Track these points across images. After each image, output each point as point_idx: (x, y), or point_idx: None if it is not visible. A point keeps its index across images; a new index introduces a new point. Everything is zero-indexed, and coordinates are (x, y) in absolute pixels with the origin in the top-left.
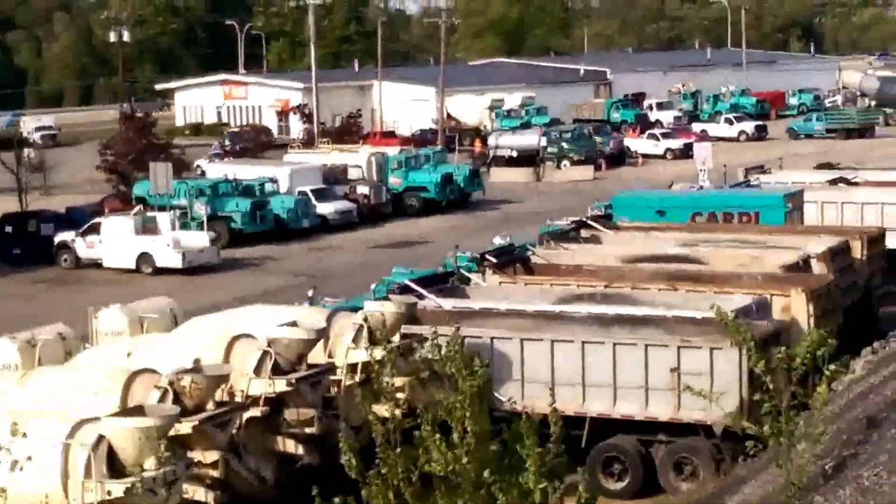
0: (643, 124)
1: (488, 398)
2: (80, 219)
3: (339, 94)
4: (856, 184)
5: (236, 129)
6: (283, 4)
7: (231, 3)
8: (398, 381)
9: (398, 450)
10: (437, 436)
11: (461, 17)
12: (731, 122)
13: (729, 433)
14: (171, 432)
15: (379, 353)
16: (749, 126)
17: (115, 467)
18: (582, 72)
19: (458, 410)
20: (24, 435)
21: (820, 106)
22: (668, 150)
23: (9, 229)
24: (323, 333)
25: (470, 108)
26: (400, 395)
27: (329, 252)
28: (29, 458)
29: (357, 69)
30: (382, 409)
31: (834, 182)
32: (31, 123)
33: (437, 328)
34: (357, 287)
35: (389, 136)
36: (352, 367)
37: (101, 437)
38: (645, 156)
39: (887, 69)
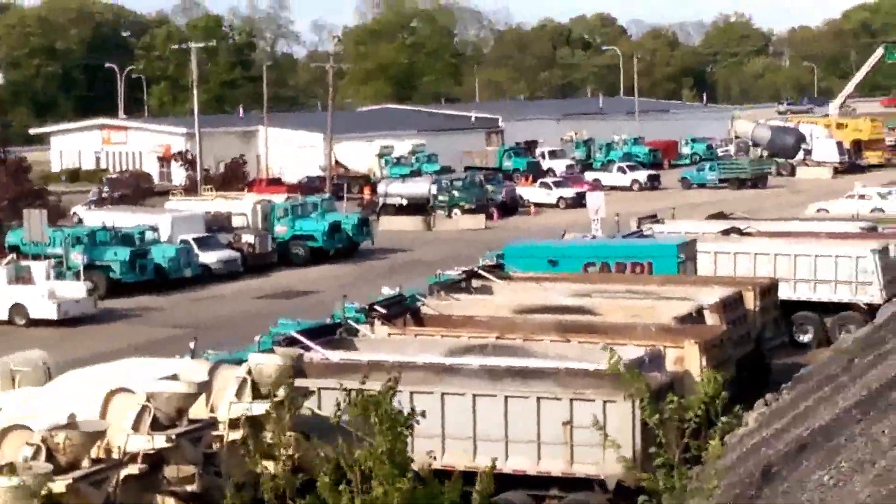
0: (535, 173)
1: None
2: None
3: (223, 140)
4: (748, 234)
5: (115, 175)
6: (165, 47)
7: (110, 45)
8: (284, 438)
9: None
10: (342, 490)
11: (350, 61)
12: (623, 171)
13: (622, 488)
14: (44, 491)
15: (263, 407)
16: (642, 175)
17: None
18: (473, 119)
19: (381, 466)
20: None
21: (713, 155)
22: (560, 198)
23: None
24: (205, 387)
25: (359, 154)
26: (287, 452)
27: (212, 302)
28: None
29: (242, 114)
30: (271, 466)
31: (726, 232)
32: None
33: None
34: (241, 339)
35: (275, 183)
36: (234, 422)
37: None
38: (537, 204)
39: (779, 119)
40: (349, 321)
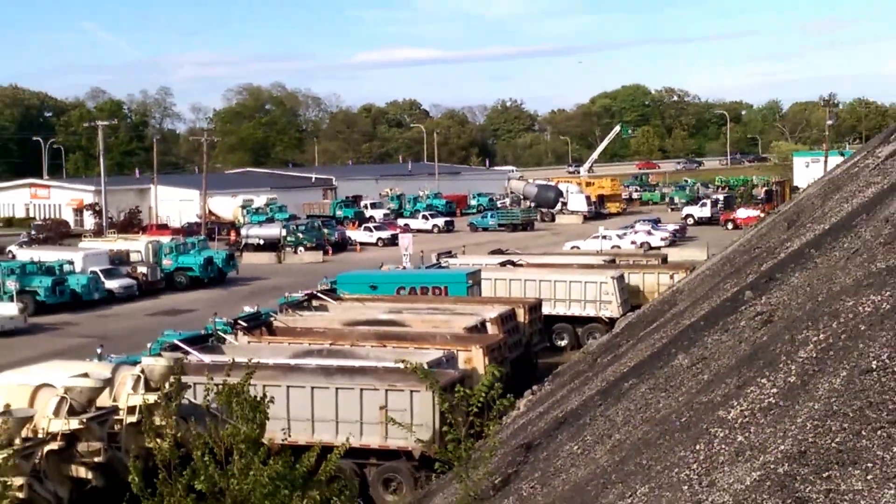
0: (360, 219)
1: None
2: None
3: (123, 195)
4: (520, 265)
5: (41, 222)
6: (79, 125)
7: (37, 123)
8: (169, 420)
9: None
10: (207, 460)
11: (219, 135)
12: (426, 218)
13: (425, 458)
14: None
15: (153, 398)
16: (440, 221)
17: None
18: (313, 179)
19: (241, 442)
20: None
21: (493, 206)
22: (379, 239)
23: None
24: (109, 383)
25: (226, 206)
26: (171, 431)
27: (114, 319)
28: None
29: (138, 175)
30: (161, 442)
31: (503, 264)
32: None
33: (212, 377)
34: (137, 346)
35: (163, 227)
36: (131, 409)
37: None
38: (362, 243)
39: (542, 179)
40: (219, 332)
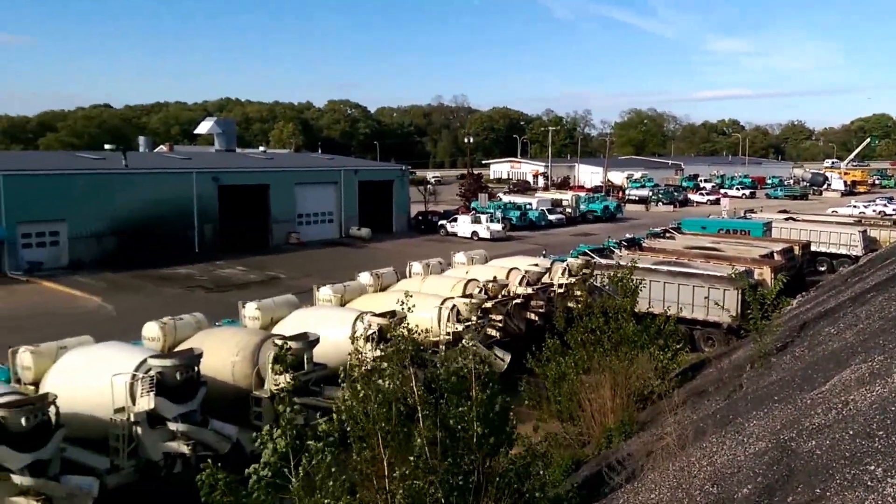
0: (697, 188)
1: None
2: None
3: (558, 169)
4: (797, 220)
5: (515, 181)
6: (539, 128)
7: (520, 128)
8: (582, 292)
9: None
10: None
11: (615, 137)
12: (738, 189)
13: (731, 328)
14: None
15: (573, 280)
16: (747, 192)
17: None
18: (670, 164)
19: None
20: None
21: (781, 184)
22: (708, 200)
23: (420, 218)
24: (548, 270)
25: (617, 177)
26: (582, 299)
27: (553, 236)
28: None
29: (569, 158)
30: (577, 304)
31: (786, 219)
32: None
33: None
34: (563, 251)
35: (581, 187)
36: (559, 286)
37: None
38: (697, 202)
39: (815, 169)
40: (611, 247)
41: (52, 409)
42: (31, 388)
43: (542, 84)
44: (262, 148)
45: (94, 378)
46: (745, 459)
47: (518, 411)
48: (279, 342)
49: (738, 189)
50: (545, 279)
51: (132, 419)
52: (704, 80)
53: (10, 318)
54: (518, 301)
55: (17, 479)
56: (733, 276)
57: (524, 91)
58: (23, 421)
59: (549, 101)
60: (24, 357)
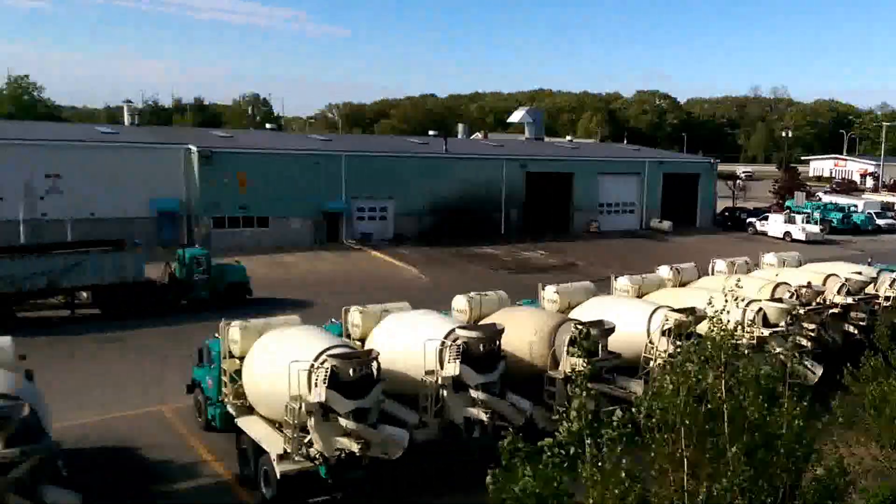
0: None
1: None
2: None
3: (893, 168)
4: None
5: (838, 180)
6: (870, 124)
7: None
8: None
9: None
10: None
11: None
12: None
13: None
14: None
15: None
16: None
17: None
18: None
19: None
20: None
21: None
22: None
23: (727, 213)
24: (873, 280)
25: None
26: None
27: (880, 243)
28: None
29: None
30: None
31: None
32: None
33: None
34: (893, 259)
35: None
36: (886, 298)
37: None
38: None
39: None
40: None
41: (374, 364)
42: (358, 343)
43: (877, 74)
44: (568, 137)
45: (409, 341)
46: None
47: (828, 429)
48: (577, 326)
49: None
50: (869, 289)
51: (440, 382)
52: None
53: (344, 280)
54: (835, 311)
55: (343, 421)
56: None
57: (854, 81)
58: (351, 371)
59: (886, 94)
60: (355, 316)
